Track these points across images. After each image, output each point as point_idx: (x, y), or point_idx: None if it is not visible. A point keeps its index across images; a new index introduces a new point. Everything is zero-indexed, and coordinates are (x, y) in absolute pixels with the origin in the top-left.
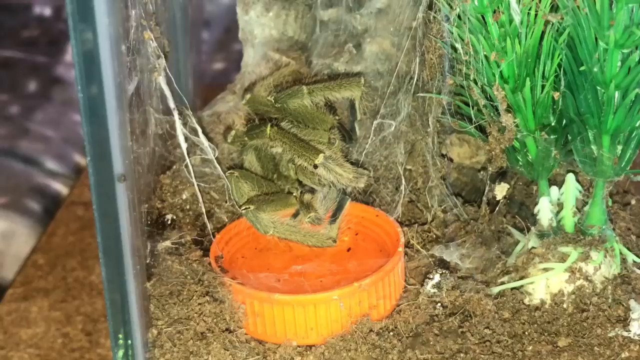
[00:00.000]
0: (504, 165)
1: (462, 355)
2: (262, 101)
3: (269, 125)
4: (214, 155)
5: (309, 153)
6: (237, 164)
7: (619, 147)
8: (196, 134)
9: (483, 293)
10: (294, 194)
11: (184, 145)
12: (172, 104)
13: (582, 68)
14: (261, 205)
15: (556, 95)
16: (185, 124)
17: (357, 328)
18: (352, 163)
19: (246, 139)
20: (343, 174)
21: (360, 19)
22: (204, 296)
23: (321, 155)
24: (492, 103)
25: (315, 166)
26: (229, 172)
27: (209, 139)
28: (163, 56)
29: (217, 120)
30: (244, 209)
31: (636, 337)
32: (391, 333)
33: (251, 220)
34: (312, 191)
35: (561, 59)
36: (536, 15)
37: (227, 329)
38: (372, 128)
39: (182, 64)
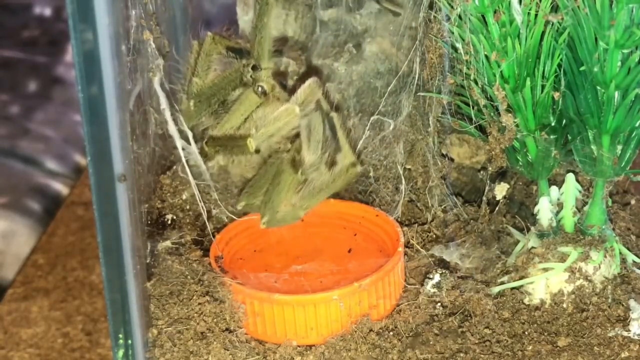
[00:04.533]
0: (504, 165)
1: (462, 355)
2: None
3: (202, 146)
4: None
5: (241, 144)
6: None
7: (619, 147)
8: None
9: (483, 293)
10: (285, 167)
11: (179, 145)
12: (163, 105)
13: (582, 68)
14: (272, 202)
15: (556, 95)
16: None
17: (357, 328)
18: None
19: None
20: (282, 121)
21: (360, 19)
22: (204, 296)
23: (249, 139)
24: (492, 103)
25: (257, 150)
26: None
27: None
28: (162, 56)
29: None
30: (263, 224)
31: (636, 337)
32: (391, 333)
33: (278, 220)
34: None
35: (561, 59)
36: (536, 15)
37: (227, 329)
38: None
39: (182, 64)
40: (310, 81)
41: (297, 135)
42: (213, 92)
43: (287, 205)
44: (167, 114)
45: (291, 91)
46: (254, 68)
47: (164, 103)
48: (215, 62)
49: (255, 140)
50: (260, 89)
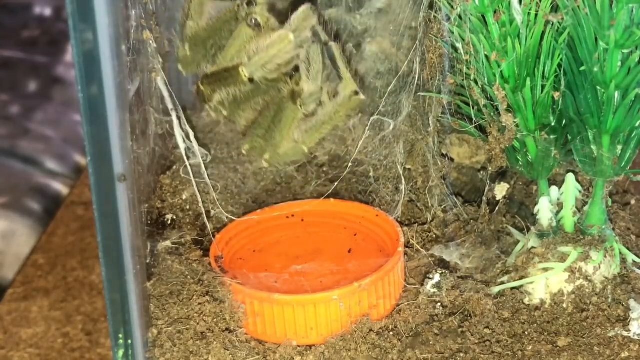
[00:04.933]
0: (504, 165)
1: (462, 355)
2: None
3: (198, 86)
4: (207, 160)
5: (234, 74)
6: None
7: (619, 147)
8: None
9: (483, 293)
10: (285, 92)
11: (182, 146)
12: (170, 105)
13: (582, 68)
14: (274, 139)
15: (556, 95)
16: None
17: (357, 328)
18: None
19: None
20: (275, 48)
21: (360, 19)
22: (204, 296)
23: (241, 67)
24: (492, 103)
25: (251, 79)
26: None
27: (208, 139)
28: (162, 56)
29: (217, 120)
30: (265, 162)
31: (636, 337)
32: (391, 333)
33: (281, 157)
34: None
35: (561, 59)
36: (536, 15)
37: (227, 329)
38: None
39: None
40: (304, 7)
41: (297, 69)
42: (209, 35)
43: (290, 141)
44: (173, 114)
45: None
46: (249, 3)
47: (167, 97)
48: (209, 5)
49: (247, 68)
50: (253, 21)
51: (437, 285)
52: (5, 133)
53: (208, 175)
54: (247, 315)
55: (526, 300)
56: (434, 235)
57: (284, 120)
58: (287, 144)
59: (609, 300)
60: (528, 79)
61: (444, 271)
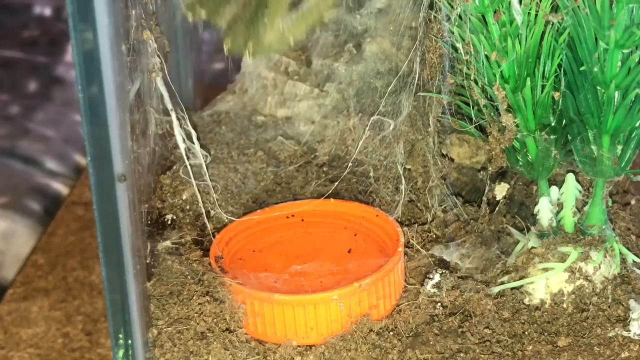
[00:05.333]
0: (504, 165)
1: (462, 355)
2: None
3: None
4: (207, 160)
5: None
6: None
7: (619, 147)
8: (191, 137)
9: (483, 293)
10: None
11: (182, 147)
12: (169, 105)
13: (582, 68)
14: (257, 30)
15: (556, 95)
16: (181, 125)
17: (357, 328)
18: None
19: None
20: None
21: (360, 19)
22: (204, 296)
23: None
24: (492, 103)
25: None
26: None
27: (208, 139)
28: (162, 56)
29: (217, 120)
30: (249, 55)
31: (636, 337)
32: (391, 333)
33: (265, 49)
34: None
35: (561, 59)
36: (536, 15)
37: (227, 329)
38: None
39: (182, 64)
40: None
41: None
42: None
43: (275, 31)
44: (173, 114)
45: None
46: None
47: (167, 97)
48: None
49: None
50: None
51: (437, 285)
52: (5, 133)
53: (208, 175)
54: (247, 315)
55: (526, 300)
56: (434, 235)
57: (267, 10)
58: (272, 34)
59: (609, 300)
60: (528, 79)
61: (444, 271)
